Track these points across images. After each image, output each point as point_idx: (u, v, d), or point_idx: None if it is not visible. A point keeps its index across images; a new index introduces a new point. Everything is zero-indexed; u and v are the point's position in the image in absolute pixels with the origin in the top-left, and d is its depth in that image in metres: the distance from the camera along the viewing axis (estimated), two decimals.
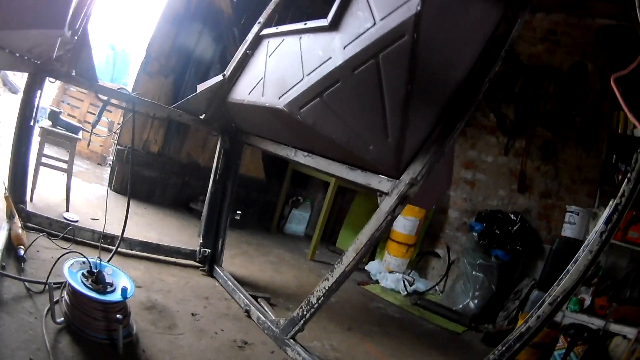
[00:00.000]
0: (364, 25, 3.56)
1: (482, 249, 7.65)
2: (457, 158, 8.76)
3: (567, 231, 6.84)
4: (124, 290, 3.56)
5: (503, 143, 8.43)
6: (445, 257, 8.73)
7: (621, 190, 2.98)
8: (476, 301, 7.34)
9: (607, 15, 7.07)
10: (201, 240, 5.87)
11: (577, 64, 7.68)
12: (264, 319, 4.57)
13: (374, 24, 3.49)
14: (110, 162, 8.46)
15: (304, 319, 4.05)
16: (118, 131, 7.75)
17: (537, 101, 8.06)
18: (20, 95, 4.96)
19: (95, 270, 3.59)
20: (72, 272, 3.50)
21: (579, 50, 7.77)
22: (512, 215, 7.86)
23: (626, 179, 2.96)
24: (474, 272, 7.49)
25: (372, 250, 9.04)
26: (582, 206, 6.92)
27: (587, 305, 5.98)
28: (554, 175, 7.83)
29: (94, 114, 6.88)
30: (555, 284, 3.09)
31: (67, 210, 5.96)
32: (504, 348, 3.12)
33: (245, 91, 4.86)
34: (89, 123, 7.46)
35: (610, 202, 3.03)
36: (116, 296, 3.53)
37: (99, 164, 9.66)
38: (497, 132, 8.53)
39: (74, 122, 7.09)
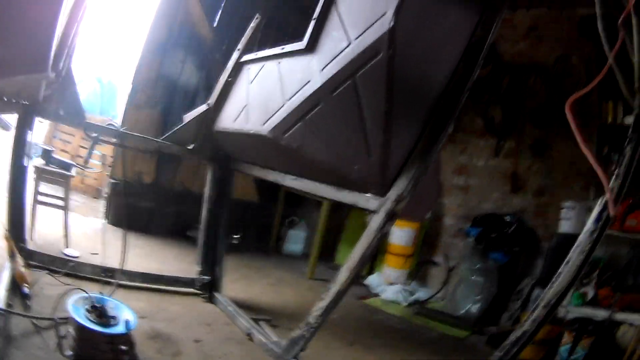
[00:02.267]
0: (339, 46, 3.60)
1: (479, 254, 7.61)
2: (448, 164, 8.76)
3: (564, 227, 6.83)
4: (127, 322, 3.60)
5: (493, 145, 8.43)
6: (444, 265, 8.72)
7: (610, 186, 2.96)
8: (478, 305, 7.30)
9: (590, 4, 7.05)
10: (199, 268, 5.89)
11: (561, 57, 7.71)
12: (265, 341, 4.57)
13: (349, 43, 3.53)
14: (105, 196, 8.48)
15: (304, 339, 4.07)
16: (111, 165, 7.78)
17: (524, 99, 8.07)
18: (12, 132, 5.00)
19: (98, 305, 3.64)
20: (76, 307, 3.54)
21: (563, 43, 7.79)
22: (507, 217, 7.83)
23: (614, 175, 2.97)
24: (473, 277, 7.47)
25: (371, 263, 9.05)
26: (578, 200, 6.89)
27: (590, 297, 5.93)
28: (546, 173, 7.85)
29: (86, 148, 6.91)
30: (549, 286, 3.09)
31: (67, 247, 5.99)
32: (502, 353, 3.11)
33: (230, 118, 4.91)
34: (82, 157, 7.52)
35: (600, 200, 3.01)
36: (120, 328, 3.56)
37: (94, 197, 9.69)
38: (486, 134, 8.53)
39: (67, 158, 7.14)
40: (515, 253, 7.55)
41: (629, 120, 3.20)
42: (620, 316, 5.54)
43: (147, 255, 6.90)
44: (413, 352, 5.76)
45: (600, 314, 5.66)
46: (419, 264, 8.97)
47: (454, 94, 3.74)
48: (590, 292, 5.96)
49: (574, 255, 3.01)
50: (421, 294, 8.22)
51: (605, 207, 2.96)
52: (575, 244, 3.06)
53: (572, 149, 7.29)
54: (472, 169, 8.72)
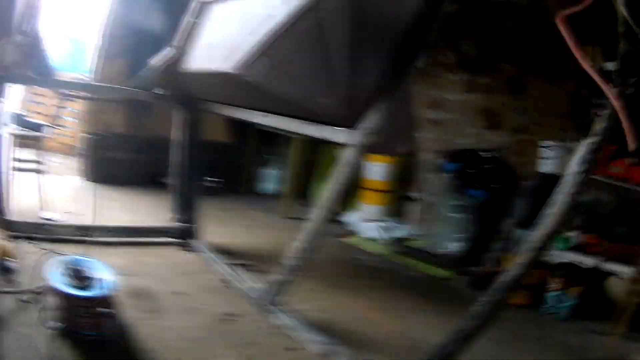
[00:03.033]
0: None
1: (457, 190, 7.54)
2: (419, 98, 8.63)
3: (543, 167, 6.74)
4: (105, 282, 3.56)
5: (465, 80, 8.30)
6: (421, 201, 8.68)
7: (595, 129, 2.84)
8: (458, 244, 7.26)
9: None
10: (174, 215, 5.89)
11: None
12: (243, 288, 4.59)
13: None
14: (81, 152, 8.41)
15: (281, 283, 4.06)
16: (83, 120, 7.72)
17: (496, 37, 7.94)
18: None
19: (75, 268, 3.59)
20: (53, 273, 3.50)
21: None
22: (484, 154, 7.67)
23: (599, 117, 2.88)
24: (452, 214, 7.41)
25: (348, 200, 9.00)
26: (555, 140, 6.78)
27: (575, 243, 5.93)
28: (522, 111, 7.74)
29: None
30: (534, 229, 3.01)
31: (44, 210, 5.95)
32: (488, 299, 3.05)
33: (195, 59, 4.84)
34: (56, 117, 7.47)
35: (584, 141, 2.90)
36: (97, 289, 3.51)
37: (70, 156, 9.62)
38: (458, 69, 8.39)
39: (41, 120, 7.06)
40: (494, 191, 7.43)
41: (610, 66, 3.13)
42: (609, 266, 5.54)
43: (123, 208, 6.89)
44: (396, 293, 5.72)
45: (588, 261, 5.67)
46: (397, 200, 8.89)
47: (421, 29, 3.69)
48: (574, 236, 5.96)
49: (559, 197, 2.91)
50: (400, 231, 8.14)
51: (590, 149, 2.86)
52: (560, 185, 2.95)
53: (548, 89, 7.28)
54: (444, 103, 8.53)
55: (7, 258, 4.15)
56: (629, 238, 5.79)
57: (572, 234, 5.96)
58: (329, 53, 3.55)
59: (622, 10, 2.71)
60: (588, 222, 6.05)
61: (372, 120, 3.63)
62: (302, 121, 4.06)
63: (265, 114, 4.47)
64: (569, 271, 5.62)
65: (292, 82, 3.75)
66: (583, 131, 2.98)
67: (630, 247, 5.64)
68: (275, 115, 4.36)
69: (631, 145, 2.66)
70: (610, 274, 5.56)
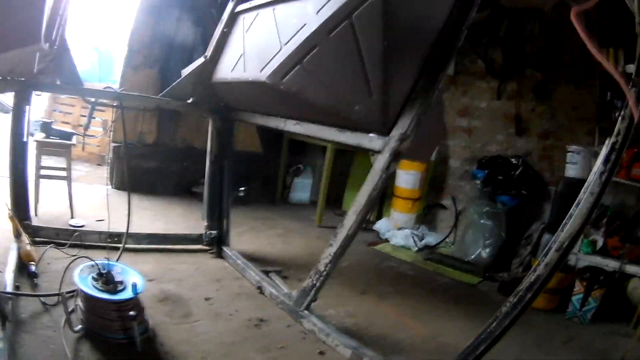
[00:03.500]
0: None
1: (487, 196, 7.60)
2: (451, 106, 8.67)
3: (570, 171, 6.71)
4: (134, 286, 3.56)
5: (494, 87, 8.31)
6: (452, 208, 8.70)
7: (617, 128, 2.89)
8: (488, 250, 7.28)
9: None
10: (206, 223, 5.89)
11: (559, 3, 7.55)
12: (276, 293, 4.59)
13: None
14: (109, 161, 8.45)
15: (314, 288, 4.06)
16: (112, 129, 7.75)
17: (523, 43, 7.92)
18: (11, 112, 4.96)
19: (104, 272, 3.60)
20: (82, 277, 3.52)
21: None
22: (513, 160, 7.75)
23: (620, 117, 2.90)
24: (482, 221, 7.42)
25: (379, 208, 9.08)
26: (582, 145, 6.76)
27: (599, 246, 5.91)
28: (550, 116, 7.74)
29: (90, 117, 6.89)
30: (560, 229, 3.05)
31: (72, 217, 5.99)
32: (515, 299, 3.07)
33: (228, 69, 4.86)
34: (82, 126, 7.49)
35: (607, 141, 2.96)
36: (127, 294, 3.53)
37: (98, 165, 9.69)
38: (487, 77, 8.40)
39: (67, 128, 7.11)
40: (522, 196, 7.50)
41: (631, 69, 3.14)
42: (630, 268, 5.52)
43: (153, 217, 6.91)
44: (426, 299, 5.72)
45: (611, 263, 5.65)
46: (427, 208, 8.96)
47: (452, 34, 3.70)
48: (599, 240, 5.94)
49: (584, 197, 2.95)
50: (430, 238, 8.19)
51: (613, 149, 2.89)
52: (585, 185, 3.02)
53: (574, 94, 7.32)
54: (474, 111, 8.63)
55: (32, 262, 4.18)
56: None
57: (597, 238, 5.95)
58: (363, 59, 3.57)
59: (634, 10, 2.72)
60: (612, 225, 6.02)
61: (405, 125, 3.64)
62: (336, 128, 4.08)
63: (299, 121, 4.48)
64: (593, 274, 5.61)
65: (326, 89, 3.79)
66: (608, 135, 2.97)
67: None
68: (309, 123, 4.37)
69: None
70: (631, 276, 5.57)
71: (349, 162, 9.92)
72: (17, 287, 3.75)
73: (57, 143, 6.15)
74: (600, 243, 5.91)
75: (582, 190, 3.03)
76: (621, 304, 5.54)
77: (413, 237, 8.00)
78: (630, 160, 5.75)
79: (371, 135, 3.81)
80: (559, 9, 7.42)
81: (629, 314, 5.23)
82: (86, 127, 5.77)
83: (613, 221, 6.08)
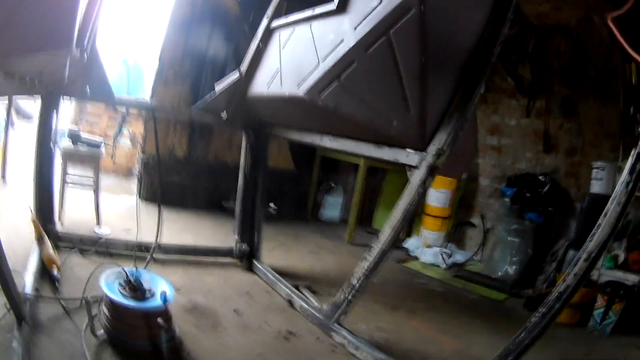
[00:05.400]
0: (371, 4, 3.61)
1: (515, 214, 7.61)
2: (482, 124, 8.69)
3: (595, 187, 6.72)
4: (164, 295, 3.53)
5: (524, 105, 8.35)
6: (480, 226, 8.72)
7: None
8: (515, 267, 7.31)
9: None
10: (237, 237, 5.89)
11: (584, 19, 7.61)
12: (307, 307, 4.60)
13: (380, 1, 3.54)
14: (137, 173, 8.46)
15: (346, 302, 4.08)
16: (141, 141, 7.77)
17: (551, 60, 7.98)
18: (34, 121, 4.96)
19: (132, 279, 3.59)
20: (108, 283, 3.50)
21: (584, 4, 7.63)
22: (540, 177, 7.78)
23: None
24: (509, 238, 7.45)
25: (409, 226, 9.06)
26: (607, 161, 6.78)
27: (621, 261, 5.88)
28: (577, 132, 7.75)
29: (114, 128, 6.88)
30: (588, 239, 3.06)
31: (98, 225, 6.01)
32: (545, 309, 3.10)
33: (263, 84, 4.88)
34: (110, 137, 7.52)
35: (632, 152, 2.99)
36: (156, 302, 3.51)
37: (125, 177, 9.69)
38: (517, 94, 8.45)
39: (97, 137, 7.12)
40: (550, 213, 7.52)
41: None
42: None
43: (181, 229, 6.92)
44: (455, 315, 5.73)
45: (631, 277, 5.65)
46: (456, 226, 9.00)
47: (486, 50, 3.77)
48: (621, 255, 5.91)
49: (612, 207, 3.00)
50: (459, 256, 8.23)
51: (638, 159, 2.93)
52: (612, 196, 3.05)
53: (600, 110, 7.35)
54: (504, 129, 8.67)
55: (54, 267, 4.17)
56: None
57: (619, 253, 5.93)
58: (401, 75, 3.59)
59: None
60: (633, 240, 5.99)
61: (442, 141, 3.68)
62: (373, 144, 4.09)
63: (334, 137, 4.50)
64: (614, 289, 5.61)
65: (364, 105, 3.82)
66: (632, 148, 3.01)
67: None
68: (345, 139, 4.38)
69: None
70: None
71: (380, 180, 9.97)
72: (36, 290, 3.73)
73: (85, 153, 6.10)
74: (622, 257, 5.89)
75: (610, 201, 3.05)
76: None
77: (442, 254, 8.04)
78: None
79: (408, 150, 3.83)
80: (583, 25, 7.44)
81: None
82: (115, 137, 5.75)
83: (634, 235, 6.03)
